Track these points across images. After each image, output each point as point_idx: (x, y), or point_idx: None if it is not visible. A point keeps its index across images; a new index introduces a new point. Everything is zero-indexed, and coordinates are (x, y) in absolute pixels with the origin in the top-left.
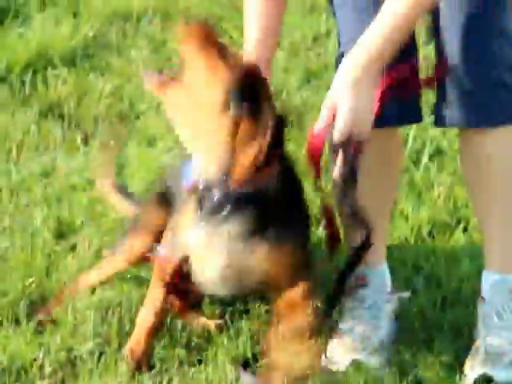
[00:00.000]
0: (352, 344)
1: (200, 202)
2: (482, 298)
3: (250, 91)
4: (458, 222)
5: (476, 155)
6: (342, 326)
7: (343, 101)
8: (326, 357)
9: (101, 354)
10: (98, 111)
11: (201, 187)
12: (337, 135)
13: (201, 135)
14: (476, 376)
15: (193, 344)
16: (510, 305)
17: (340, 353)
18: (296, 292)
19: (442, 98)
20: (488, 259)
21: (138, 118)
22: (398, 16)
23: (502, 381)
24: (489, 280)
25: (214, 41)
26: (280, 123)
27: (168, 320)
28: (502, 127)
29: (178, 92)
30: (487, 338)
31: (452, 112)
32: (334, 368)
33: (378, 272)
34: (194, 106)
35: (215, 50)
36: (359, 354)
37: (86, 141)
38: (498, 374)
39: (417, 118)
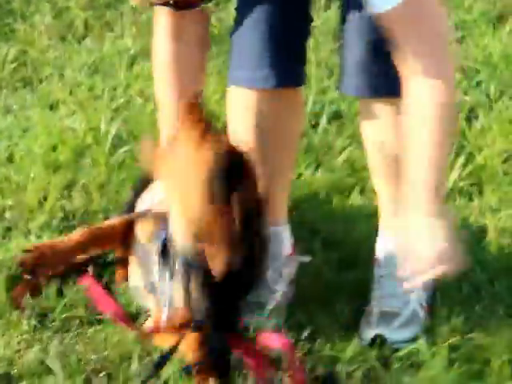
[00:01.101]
0: (249, 307)
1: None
2: (377, 259)
3: (234, 169)
4: (355, 185)
5: (374, 120)
6: None
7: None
8: None
9: (2, 311)
10: (1, 76)
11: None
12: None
13: (184, 205)
14: (371, 336)
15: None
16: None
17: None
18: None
19: (341, 66)
20: (382, 221)
21: (41, 82)
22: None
23: (395, 341)
24: (383, 242)
25: (200, 118)
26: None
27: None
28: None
29: (169, 164)
30: (381, 299)
31: (348, 81)
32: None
33: (278, 234)
34: (181, 179)
35: (201, 128)
36: (255, 317)
37: None
38: (390, 335)
39: (298, 81)
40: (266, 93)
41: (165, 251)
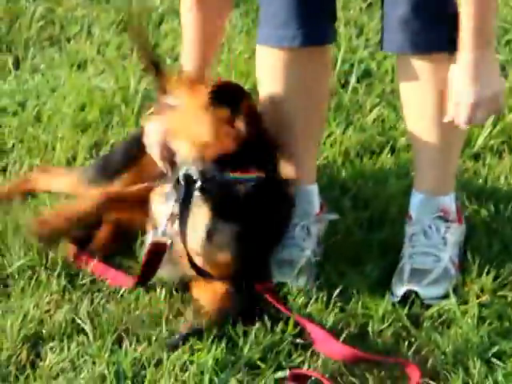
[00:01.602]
0: (279, 265)
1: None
2: (410, 216)
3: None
4: (386, 143)
5: (413, 78)
6: None
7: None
8: None
9: (33, 271)
10: (29, 35)
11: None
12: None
13: (186, 130)
14: (402, 293)
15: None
16: (436, 224)
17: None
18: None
19: (382, 23)
20: (417, 179)
21: (68, 41)
22: None
23: (427, 297)
24: (417, 199)
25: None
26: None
27: None
28: (437, 54)
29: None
30: (413, 256)
31: (390, 37)
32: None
33: (307, 193)
34: (182, 113)
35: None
36: (286, 276)
37: (17, 64)
38: (422, 291)
39: (326, 39)
40: (294, 51)
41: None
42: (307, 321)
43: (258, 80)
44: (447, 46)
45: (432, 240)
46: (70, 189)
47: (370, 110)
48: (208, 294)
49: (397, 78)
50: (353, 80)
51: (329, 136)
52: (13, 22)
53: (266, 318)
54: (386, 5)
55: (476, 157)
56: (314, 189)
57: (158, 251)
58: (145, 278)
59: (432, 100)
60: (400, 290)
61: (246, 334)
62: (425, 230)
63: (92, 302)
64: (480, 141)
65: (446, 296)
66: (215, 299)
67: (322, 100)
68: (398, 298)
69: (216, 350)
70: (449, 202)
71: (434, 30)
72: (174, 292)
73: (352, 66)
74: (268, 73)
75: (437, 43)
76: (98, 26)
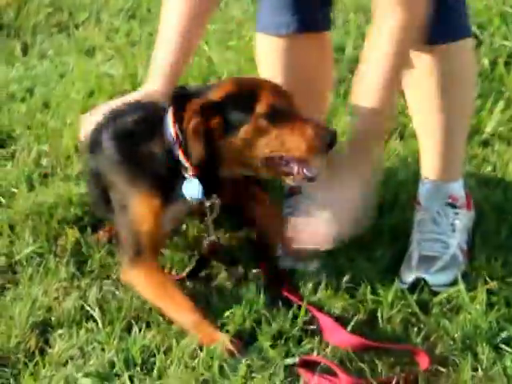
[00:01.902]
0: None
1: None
2: (419, 203)
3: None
4: (395, 130)
5: (421, 66)
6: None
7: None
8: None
9: (41, 259)
10: (37, 21)
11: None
12: None
13: None
14: (411, 280)
15: None
16: (445, 211)
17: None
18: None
19: None
20: (424, 168)
21: (77, 27)
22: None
23: (435, 284)
24: (425, 187)
25: None
26: None
27: None
28: (445, 44)
29: None
30: (421, 243)
31: None
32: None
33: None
34: None
35: None
36: (294, 260)
37: (25, 50)
38: (431, 278)
39: (322, 25)
40: (291, 38)
41: None
42: (316, 309)
43: (259, 66)
44: (455, 35)
45: (441, 226)
46: None
47: None
48: None
49: None
50: None
51: (338, 122)
52: (21, 7)
53: (280, 303)
54: None
55: (485, 143)
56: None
57: (215, 250)
58: (197, 272)
59: (437, 90)
60: (409, 277)
61: (256, 320)
62: (433, 216)
63: (101, 288)
64: (489, 128)
65: (454, 283)
66: None
67: (323, 86)
68: (407, 286)
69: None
70: (457, 188)
71: (444, 21)
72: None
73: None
74: (267, 59)
75: (447, 33)
76: (106, 13)
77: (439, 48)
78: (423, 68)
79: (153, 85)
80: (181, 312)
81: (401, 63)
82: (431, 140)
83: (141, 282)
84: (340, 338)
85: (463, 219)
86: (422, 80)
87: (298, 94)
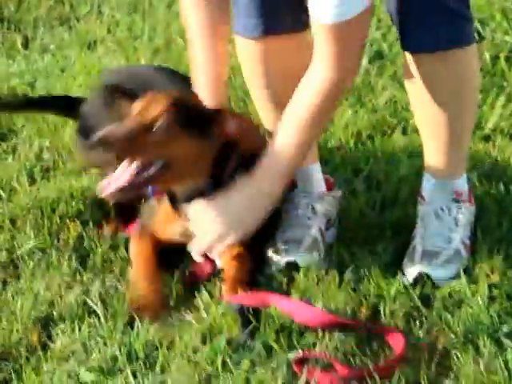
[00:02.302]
0: (285, 246)
1: None
2: (422, 197)
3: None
4: (397, 124)
5: (424, 73)
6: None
7: None
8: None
9: (43, 253)
10: (38, 14)
11: None
12: None
13: None
14: (414, 275)
15: None
16: (449, 206)
17: (274, 255)
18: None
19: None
20: (428, 165)
21: (78, 21)
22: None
23: (437, 278)
24: (430, 183)
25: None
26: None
27: None
28: (445, 51)
29: None
30: (424, 237)
31: (405, 35)
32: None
33: (307, 172)
34: None
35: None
36: (294, 255)
37: (26, 44)
38: (433, 272)
39: (293, 26)
40: (263, 40)
41: None
42: (278, 295)
43: (242, 69)
44: (460, 41)
45: (444, 221)
46: None
47: (382, 92)
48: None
49: (406, 71)
50: (365, 61)
51: (341, 116)
52: (22, 0)
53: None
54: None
55: (486, 138)
56: (313, 168)
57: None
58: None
59: (441, 94)
60: (412, 272)
61: (258, 314)
62: (437, 211)
63: (103, 283)
64: (490, 123)
65: (456, 277)
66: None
67: None
68: (410, 281)
69: (229, 330)
70: (462, 183)
71: (448, 27)
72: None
73: (364, 47)
74: (244, 61)
75: (451, 39)
76: (108, 6)
77: (444, 54)
78: (427, 74)
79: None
80: (138, 273)
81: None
82: (436, 141)
83: (133, 242)
84: (309, 315)
85: (466, 213)
86: (426, 86)
87: (279, 91)
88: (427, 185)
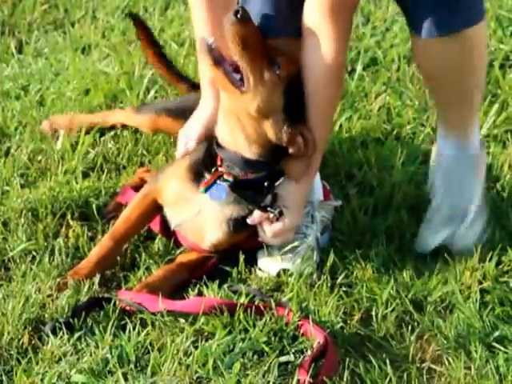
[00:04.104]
0: (281, 254)
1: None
2: (440, 164)
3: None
4: (391, 131)
5: (433, 53)
6: None
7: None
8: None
9: (34, 256)
10: (32, 18)
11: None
12: None
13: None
14: (440, 239)
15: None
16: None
17: (269, 263)
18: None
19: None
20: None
21: (73, 25)
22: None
23: (466, 243)
24: (448, 146)
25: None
26: None
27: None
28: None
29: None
30: (448, 198)
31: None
32: (263, 276)
33: None
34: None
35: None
36: (288, 263)
37: (20, 48)
38: (461, 235)
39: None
40: None
41: None
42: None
43: None
44: (470, 21)
45: (466, 180)
46: None
47: (376, 98)
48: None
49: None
50: (359, 68)
51: (334, 123)
52: (16, 5)
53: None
54: None
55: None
56: (316, 177)
57: None
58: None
59: (454, 74)
60: (437, 236)
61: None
62: (458, 173)
63: (94, 284)
64: (484, 129)
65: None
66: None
67: None
68: (434, 245)
69: (220, 334)
70: (477, 146)
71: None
72: None
73: (358, 53)
74: None
75: (462, 21)
76: (102, 11)
77: (455, 35)
78: (441, 53)
79: (207, 99)
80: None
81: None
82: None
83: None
84: (184, 306)
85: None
86: (440, 65)
87: None
88: (445, 147)
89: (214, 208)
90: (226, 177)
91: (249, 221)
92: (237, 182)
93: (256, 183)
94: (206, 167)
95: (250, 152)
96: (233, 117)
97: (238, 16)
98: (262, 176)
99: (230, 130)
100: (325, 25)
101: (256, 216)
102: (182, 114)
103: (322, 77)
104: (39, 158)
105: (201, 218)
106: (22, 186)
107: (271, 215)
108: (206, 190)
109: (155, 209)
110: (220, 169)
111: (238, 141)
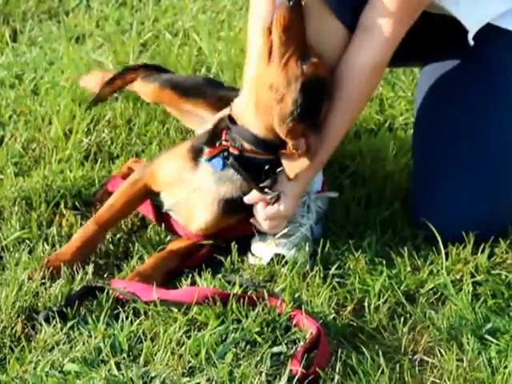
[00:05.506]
0: (275, 239)
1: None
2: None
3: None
4: (384, 122)
5: None
6: None
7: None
8: (249, 251)
9: (29, 244)
10: (27, 7)
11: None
12: None
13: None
14: None
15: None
16: None
17: (263, 247)
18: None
19: None
20: None
21: (67, 14)
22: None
23: None
24: None
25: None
26: None
27: None
28: None
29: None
30: None
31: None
32: (256, 262)
33: None
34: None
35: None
36: (282, 248)
37: (14, 37)
38: None
39: None
40: None
41: None
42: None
43: None
44: None
45: None
46: None
47: None
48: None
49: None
50: None
51: None
52: None
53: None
54: None
55: None
56: None
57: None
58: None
59: None
60: None
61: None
62: None
63: (87, 274)
64: None
65: None
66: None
67: None
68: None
69: (213, 324)
70: None
71: None
72: None
73: None
74: None
75: None
76: (96, 0)
77: None
78: None
79: None
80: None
81: None
82: None
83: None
84: (177, 295)
85: None
86: None
87: None
88: None
89: (209, 187)
90: (231, 150)
91: (245, 199)
92: (241, 156)
93: (258, 164)
94: (208, 145)
95: (259, 130)
96: (255, 87)
97: (291, 3)
98: (266, 159)
99: (248, 101)
100: (390, 25)
101: (253, 195)
102: (188, 91)
103: (364, 71)
104: (33, 146)
105: (194, 197)
106: (16, 175)
107: (268, 197)
108: (210, 159)
109: (142, 196)
110: (224, 143)
111: (250, 115)
